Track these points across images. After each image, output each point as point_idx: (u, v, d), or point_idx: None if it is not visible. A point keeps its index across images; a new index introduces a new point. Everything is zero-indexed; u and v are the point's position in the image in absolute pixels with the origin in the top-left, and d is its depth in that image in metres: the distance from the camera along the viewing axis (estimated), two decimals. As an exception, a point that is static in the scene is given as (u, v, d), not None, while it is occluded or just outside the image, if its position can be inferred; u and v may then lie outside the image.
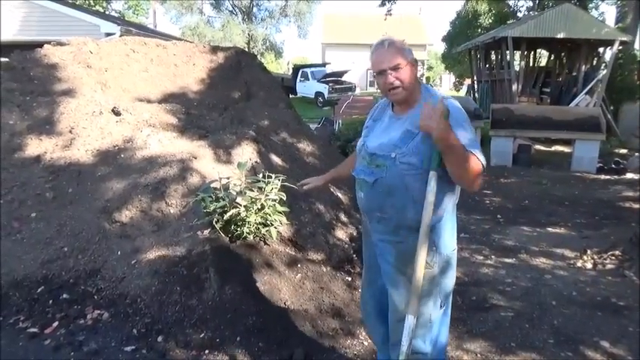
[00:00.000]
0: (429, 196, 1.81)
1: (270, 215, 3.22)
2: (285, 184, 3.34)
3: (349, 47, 37.78)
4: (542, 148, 11.46)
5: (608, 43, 12.97)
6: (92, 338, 2.77)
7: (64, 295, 3.09)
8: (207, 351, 2.66)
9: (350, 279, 3.58)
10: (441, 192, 1.87)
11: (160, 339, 2.75)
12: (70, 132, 4.06)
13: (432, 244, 1.92)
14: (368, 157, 2.00)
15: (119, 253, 3.28)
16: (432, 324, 2.02)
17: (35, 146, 3.96)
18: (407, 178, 1.88)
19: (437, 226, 1.93)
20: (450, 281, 2.04)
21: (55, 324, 2.88)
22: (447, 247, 1.98)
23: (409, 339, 1.84)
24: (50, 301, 3.05)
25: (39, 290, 3.11)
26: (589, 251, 4.48)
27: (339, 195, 4.68)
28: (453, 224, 2.03)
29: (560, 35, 12.76)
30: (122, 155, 3.88)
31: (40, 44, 5.26)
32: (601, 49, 13.99)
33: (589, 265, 4.27)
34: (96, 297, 3.08)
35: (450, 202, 1.98)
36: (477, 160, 1.80)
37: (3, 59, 5.42)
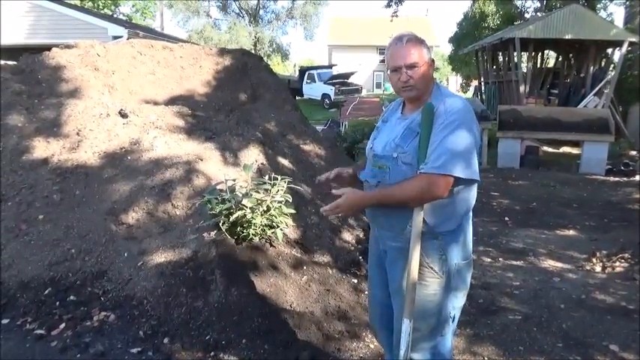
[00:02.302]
0: (413, 231, 1.79)
1: (276, 217, 3.22)
2: (292, 185, 3.34)
3: (355, 49, 37.80)
4: (550, 149, 11.39)
5: (617, 43, 12.88)
6: (98, 340, 2.78)
7: (71, 297, 3.10)
8: (212, 353, 2.66)
9: (356, 281, 3.56)
10: (454, 200, 1.81)
11: (166, 341, 2.75)
12: (78, 134, 4.08)
13: (442, 253, 1.84)
14: (373, 159, 1.95)
15: (125, 254, 3.29)
16: (442, 337, 1.93)
17: (43, 148, 3.98)
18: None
19: (448, 235, 1.84)
20: (461, 293, 1.94)
21: (62, 325, 2.89)
22: (458, 257, 1.88)
23: (406, 342, 1.81)
24: (57, 303, 3.07)
25: (46, 292, 3.13)
26: (598, 254, 4.44)
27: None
28: (467, 233, 1.93)
29: (568, 36, 12.68)
30: (129, 157, 3.90)
31: (49, 47, 5.29)
32: (609, 50, 13.90)
33: (598, 268, 4.22)
34: (102, 299, 3.09)
35: (463, 210, 1.88)
36: (411, 184, 1.75)
37: (12, 62, 5.46)
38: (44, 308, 3.04)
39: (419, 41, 1.86)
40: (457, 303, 1.94)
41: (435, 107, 1.78)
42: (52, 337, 2.82)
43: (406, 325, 1.80)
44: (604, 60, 14.25)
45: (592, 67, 13.63)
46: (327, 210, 1.86)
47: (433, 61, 1.91)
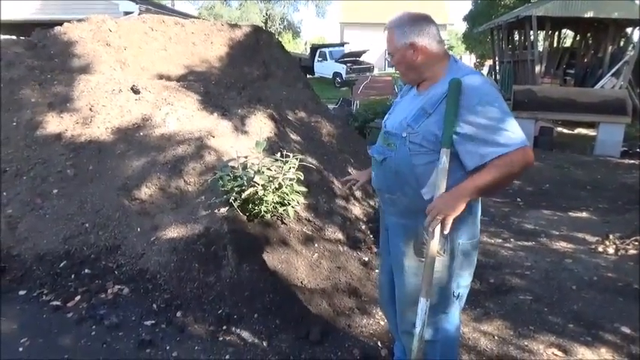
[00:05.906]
0: (438, 172, 1.71)
1: (287, 194, 3.22)
2: (303, 163, 3.33)
3: (368, 27, 37.19)
4: (564, 130, 11.21)
5: (637, 23, 12.53)
6: (113, 312, 2.83)
7: (86, 270, 3.16)
8: (225, 327, 2.70)
9: (366, 258, 3.57)
10: (457, 177, 1.76)
11: (178, 314, 2.80)
12: (90, 110, 4.09)
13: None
14: (383, 136, 1.95)
15: (139, 229, 3.33)
16: (444, 314, 1.94)
17: (56, 123, 4.00)
18: (414, 159, 1.78)
19: None
20: (467, 272, 1.92)
21: (77, 298, 2.96)
22: (463, 237, 1.84)
23: (422, 322, 1.79)
24: (72, 276, 3.13)
25: (61, 265, 3.18)
26: (611, 236, 4.39)
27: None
28: (473, 212, 1.87)
29: (587, 15, 12.35)
30: (141, 133, 3.91)
31: (60, 23, 5.27)
32: (629, 30, 13.53)
33: (611, 250, 4.18)
34: (116, 272, 3.15)
35: None
36: (499, 163, 1.67)
37: (23, 38, 5.46)
38: (60, 281, 3.10)
39: (393, 26, 1.83)
40: (463, 282, 1.93)
41: (462, 83, 1.70)
42: (67, 308, 2.88)
43: (422, 304, 1.78)
44: (623, 40, 13.89)
45: (610, 47, 13.28)
46: (429, 221, 1.74)
47: (414, 44, 1.79)
